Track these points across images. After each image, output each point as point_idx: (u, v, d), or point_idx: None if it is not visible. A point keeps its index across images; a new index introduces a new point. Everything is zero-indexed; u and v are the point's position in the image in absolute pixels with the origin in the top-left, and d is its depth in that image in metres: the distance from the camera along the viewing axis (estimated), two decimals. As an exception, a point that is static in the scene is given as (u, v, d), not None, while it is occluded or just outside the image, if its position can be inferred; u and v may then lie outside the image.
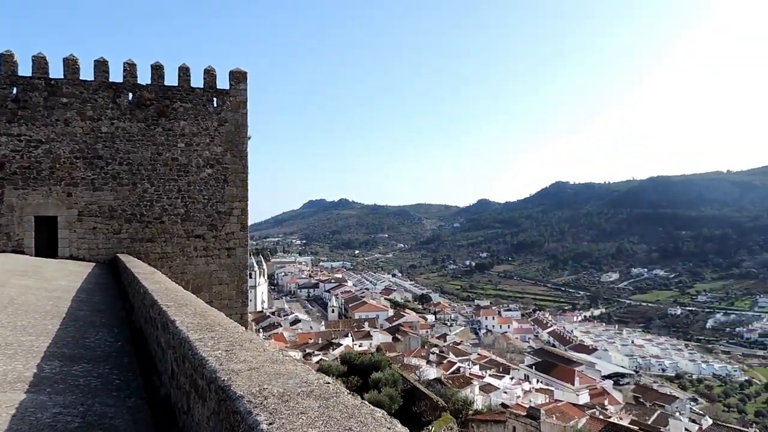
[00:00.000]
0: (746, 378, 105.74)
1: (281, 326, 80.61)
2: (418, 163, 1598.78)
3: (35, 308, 7.93)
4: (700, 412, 68.72)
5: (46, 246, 19.93)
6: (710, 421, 49.87)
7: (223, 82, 21.81)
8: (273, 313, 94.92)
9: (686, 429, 47.33)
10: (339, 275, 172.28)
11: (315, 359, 50.57)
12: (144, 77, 20.77)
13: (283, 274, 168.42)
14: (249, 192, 22.39)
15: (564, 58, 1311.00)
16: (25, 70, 19.67)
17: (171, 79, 21.02)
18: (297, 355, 53.74)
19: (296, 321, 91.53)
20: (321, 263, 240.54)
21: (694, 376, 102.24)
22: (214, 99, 21.55)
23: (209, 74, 21.53)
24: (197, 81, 21.40)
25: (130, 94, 20.40)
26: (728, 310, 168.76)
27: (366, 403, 1.96)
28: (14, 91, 19.35)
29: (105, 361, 5.08)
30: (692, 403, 77.66)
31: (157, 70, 20.74)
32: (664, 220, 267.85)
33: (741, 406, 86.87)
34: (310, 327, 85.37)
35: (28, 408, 3.57)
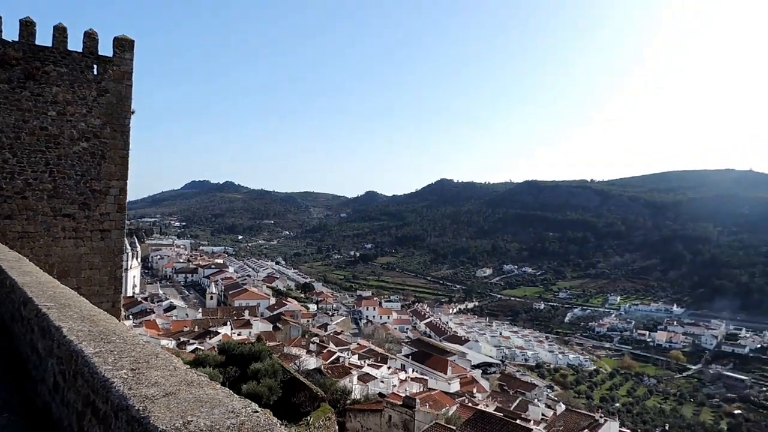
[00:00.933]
0: (595, 367, 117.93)
1: (154, 313, 76.19)
2: (308, 151, 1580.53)
3: None
4: (555, 398, 75.55)
5: None
6: (563, 407, 54.73)
7: (106, 50, 19.98)
8: (145, 299, 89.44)
9: (543, 414, 51.67)
10: (220, 261, 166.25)
11: (190, 348, 48.52)
12: (11, 33, 18.44)
13: (158, 257, 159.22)
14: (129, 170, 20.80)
15: (457, 62, 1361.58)
16: None
17: (45, 40, 18.86)
18: (170, 343, 51.18)
19: (171, 307, 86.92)
20: (201, 247, 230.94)
21: (552, 366, 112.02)
22: (95, 66, 19.62)
23: (90, 38, 19.56)
24: (76, 45, 19.40)
25: (-8, 51, 18.00)
26: (584, 306, 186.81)
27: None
28: None
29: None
30: (549, 390, 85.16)
31: (27, 26, 18.46)
32: (534, 221, 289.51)
33: (589, 393, 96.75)
34: (186, 314, 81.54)
35: None
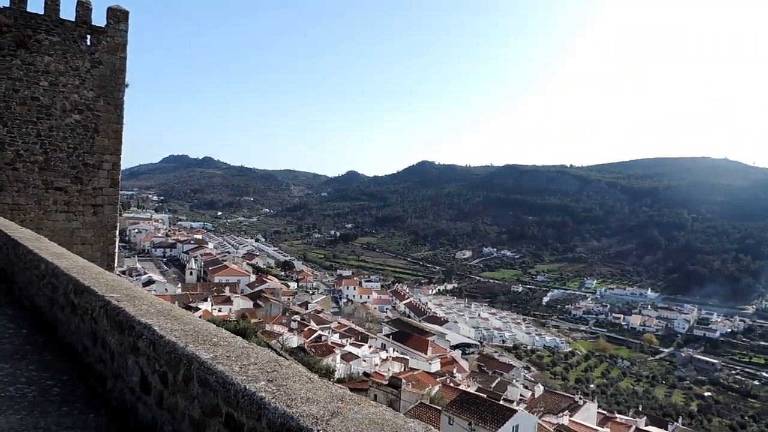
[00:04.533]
0: (570, 349, 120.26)
1: (133, 288, 75.35)
2: (289, 129, 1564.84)
3: None
4: (532, 379, 77.02)
5: None
6: (541, 388, 55.77)
7: (99, 20, 19.24)
8: (123, 273, 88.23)
9: (521, 395, 52.61)
10: (199, 236, 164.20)
11: (173, 324, 48.06)
12: (1, -1, 17.62)
13: (136, 230, 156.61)
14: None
15: (448, 42, 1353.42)
16: None
17: (36, 7, 18.09)
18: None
19: (150, 282, 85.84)
20: (180, 222, 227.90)
21: (529, 347, 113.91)
22: (88, 36, 18.88)
23: (83, 7, 18.77)
24: (69, 14, 18.64)
25: (-18, 17, 17.20)
26: (561, 290, 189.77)
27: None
28: None
29: (23, 358, 4.19)
30: (525, 371, 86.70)
31: (19, -8, 17.68)
32: (514, 205, 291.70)
33: (564, 374, 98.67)
34: (165, 289, 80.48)
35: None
